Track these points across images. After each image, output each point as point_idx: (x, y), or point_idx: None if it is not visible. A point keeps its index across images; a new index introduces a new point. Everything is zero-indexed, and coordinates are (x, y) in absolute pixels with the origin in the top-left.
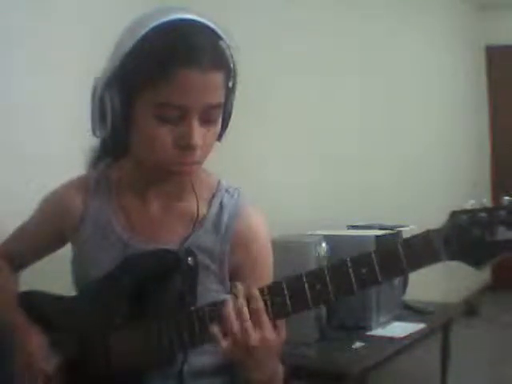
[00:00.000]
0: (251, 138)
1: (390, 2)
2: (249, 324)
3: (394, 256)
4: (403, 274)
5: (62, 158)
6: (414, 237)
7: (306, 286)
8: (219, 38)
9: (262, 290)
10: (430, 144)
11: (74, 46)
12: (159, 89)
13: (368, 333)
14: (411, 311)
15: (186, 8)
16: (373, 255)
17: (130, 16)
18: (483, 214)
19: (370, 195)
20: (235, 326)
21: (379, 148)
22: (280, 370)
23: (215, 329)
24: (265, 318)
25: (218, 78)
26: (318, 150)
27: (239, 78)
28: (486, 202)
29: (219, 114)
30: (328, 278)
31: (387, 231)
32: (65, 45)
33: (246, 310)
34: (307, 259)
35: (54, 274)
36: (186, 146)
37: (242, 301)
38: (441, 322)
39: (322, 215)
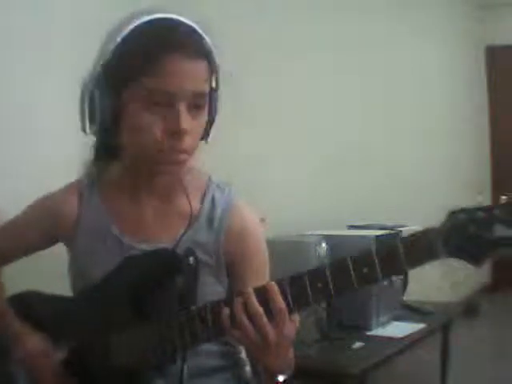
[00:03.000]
0: (251, 138)
1: (389, 2)
2: (267, 322)
3: (394, 254)
4: (403, 271)
5: (62, 159)
6: (413, 235)
7: (308, 283)
8: (201, 36)
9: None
10: (429, 144)
11: (74, 46)
12: (147, 76)
13: (368, 333)
14: (411, 311)
15: (167, 10)
16: (373, 253)
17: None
18: (480, 213)
19: (370, 195)
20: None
21: (379, 148)
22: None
23: (246, 321)
24: (286, 316)
25: (203, 66)
26: (318, 149)
27: (236, 80)
28: (483, 200)
29: (205, 105)
30: (330, 278)
31: (387, 231)
32: (64, 45)
33: (257, 307)
34: (307, 259)
35: (52, 275)
36: (174, 131)
37: (254, 300)
38: (441, 322)
39: (322, 215)
